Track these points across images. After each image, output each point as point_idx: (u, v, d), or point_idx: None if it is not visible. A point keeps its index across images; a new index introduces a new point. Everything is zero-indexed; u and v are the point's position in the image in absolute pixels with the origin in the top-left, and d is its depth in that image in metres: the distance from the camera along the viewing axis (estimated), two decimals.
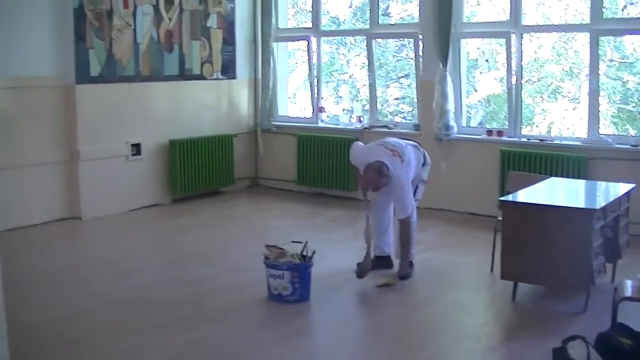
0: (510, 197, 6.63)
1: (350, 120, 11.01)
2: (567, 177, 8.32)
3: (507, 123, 9.65)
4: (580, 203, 6.91)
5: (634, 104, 11.41)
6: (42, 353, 5.28)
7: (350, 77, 13.66)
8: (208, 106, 10.91)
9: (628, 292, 5.47)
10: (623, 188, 6.96)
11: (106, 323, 5.90)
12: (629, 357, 4.71)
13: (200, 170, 10.58)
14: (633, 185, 7.08)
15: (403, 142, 7.15)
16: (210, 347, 5.47)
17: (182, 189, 10.37)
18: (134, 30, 9.78)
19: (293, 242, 6.61)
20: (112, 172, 9.62)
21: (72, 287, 6.86)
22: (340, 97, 13.50)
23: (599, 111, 9.15)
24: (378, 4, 10.67)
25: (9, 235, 8.43)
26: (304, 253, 6.50)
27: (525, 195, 6.69)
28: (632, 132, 11.01)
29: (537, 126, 11.62)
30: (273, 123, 11.42)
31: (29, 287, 6.59)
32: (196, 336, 5.65)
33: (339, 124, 11.06)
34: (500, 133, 9.53)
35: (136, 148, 9.93)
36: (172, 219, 9.61)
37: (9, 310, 4.06)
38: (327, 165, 10.72)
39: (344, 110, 12.30)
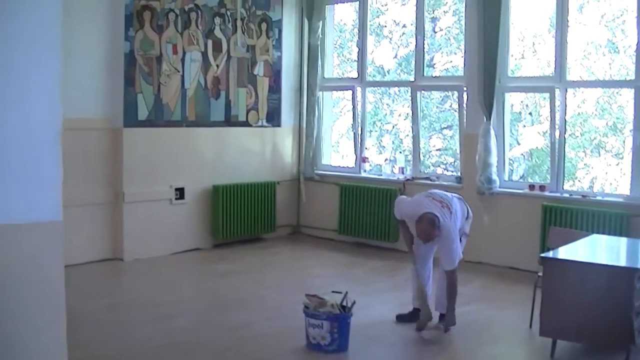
0: (551, 254, 6.61)
1: (392, 171, 11.05)
2: (609, 234, 8.25)
3: (549, 177, 9.64)
4: (622, 261, 6.87)
5: None
6: None
7: (393, 127, 13.73)
8: (252, 153, 11.04)
9: None
10: None
11: None
12: None
13: (242, 216, 10.67)
14: None
15: (449, 194, 7.19)
16: None
17: (224, 234, 10.46)
18: (182, 76, 9.97)
19: (333, 292, 6.64)
20: (155, 215, 9.76)
21: (114, 327, 6.95)
22: (383, 147, 13.57)
23: None
24: (424, 55, 10.77)
25: None
26: (344, 303, 6.52)
27: (566, 251, 6.66)
28: None
29: (579, 181, 11.58)
30: (316, 172, 11.52)
31: (70, 326, 6.64)
32: None
33: (381, 174, 11.11)
34: (542, 188, 9.51)
35: (180, 192, 10.07)
36: (213, 264, 9.69)
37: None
38: (369, 215, 10.75)
39: (386, 160, 12.35)
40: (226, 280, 8.83)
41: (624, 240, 7.68)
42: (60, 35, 3.90)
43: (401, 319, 7.15)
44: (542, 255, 6.70)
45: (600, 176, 11.75)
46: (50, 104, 3.77)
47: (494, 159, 9.60)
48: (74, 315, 6.97)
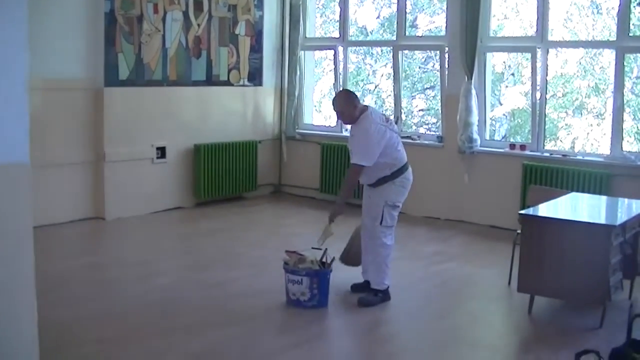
0: (530, 211, 6.65)
1: None
2: (589, 193, 8.30)
3: (530, 137, 9.68)
4: (600, 219, 6.91)
5: None
6: (67, 351, 5.36)
7: (375, 87, 13.72)
8: (234, 112, 11.02)
9: None
10: None
11: (129, 324, 5.99)
12: None
13: (224, 175, 10.68)
14: None
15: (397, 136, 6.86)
16: (229, 350, 5.54)
17: (205, 193, 10.47)
18: (163, 35, 9.90)
19: (313, 248, 6.68)
20: (137, 174, 9.74)
21: (95, 286, 6.97)
22: None
23: (623, 128, 9.14)
24: (406, 16, 10.74)
25: (33, 232, 8.51)
26: (324, 260, 6.57)
27: (545, 209, 6.71)
28: None
29: (560, 141, 11.63)
30: (298, 131, 11.52)
31: (53, 285, 6.67)
32: (216, 339, 5.73)
33: None
34: (523, 147, 9.55)
35: (161, 151, 10.05)
36: (194, 223, 9.71)
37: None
38: None
39: None
40: (208, 239, 8.85)
41: (603, 199, 7.74)
42: None
43: (355, 288, 6.96)
44: (521, 212, 6.74)
45: (581, 137, 11.81)
46: (16, 46, 3.67)
47: (475, 119, 9.62)
48: (56, 275, 7.06)
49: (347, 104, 6.66)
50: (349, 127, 10.88)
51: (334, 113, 6.95)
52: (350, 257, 7.13)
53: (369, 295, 6.68)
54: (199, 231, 9.27)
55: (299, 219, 10.12)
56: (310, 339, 5.86)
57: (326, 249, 6.64)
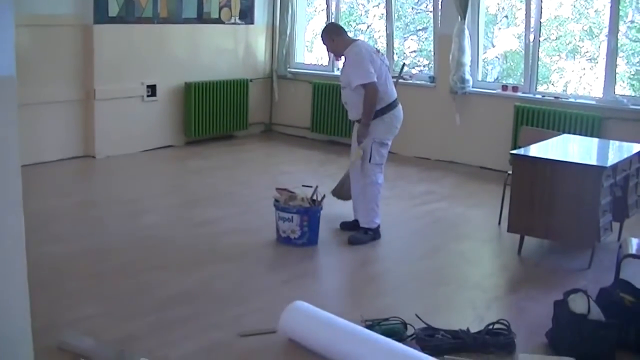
0: (521, 151, 6.65)
1: None
2: (581, 135, 8.31)
3: (523, 80, 9.64)
4: (591, 160, 6.90)
5: None
6: (57, 286, 5.35)
7: (368, 27, 13.60)
8: (225, 50, 10.93)
9: (633, 250, 5.53)
10: (635, 147, 6.96)
11: (120, 260, 5.99)
12: (629, 313, 4.77)
13: (214, 114, 10.62)
14: None
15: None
16: (220, 286, 5.55)
17: (195, 132, 10.42)
18: None
19: (304, 186, 6.68)
20: (127, 112, 9.67)
21: (86, 224, 6.98)
22: None
23: (616, 72, 9.10)
24: None
25: (23, 171, 8.43)
26: (314, 197, 6.57)
27: (536, 150, 6.71)
28: None
29: (553, 84, 11.57)
30: (289, 70, 11.45)
31: (43, 222, 6.66)
32: (207, 275, 5.75)
33: None
34: (515, 89, 9.53)
35: (152, 89, 9.96)
36: (185, 161, 9.68)
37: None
38: (342, 114, 10.72)
39: None
40: (198, 177, 8.84)
41: (594, 141, 7.74)
42: None
43: (345, 226, 6.98)
44: (512, 152, 6.75)
45: (574, 80, 11.76)
46: None
47: (467, 59, 9.57)
48: (46, 212, 7.05)
49: (335, 33, 6.68)
50: (340, 65, 10.91)
51: (324, 48, 6.96)
52: (343, 191, 7.18)
53: (359, 234, 6.71)
54: (189, 170, 9.25)
55: (289, 157, 10.10)
56: (301, 275, 5.89)
57: (317, 186, 6.64)
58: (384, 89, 6.53)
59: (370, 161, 6.63)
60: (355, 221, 6.87)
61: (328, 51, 6.98)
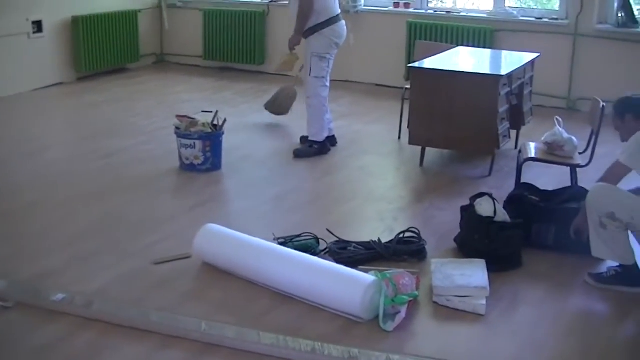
0: (417, 64, 6.73)
1: None
2: (474, 47, 8.47)
3: None
4: (487, 70, 7.06)
5: None
6: None
7: None
8: None
9: (532, 154, 5.72)
10: (528, 57, 7.14)
11: (25, 199, 5.86)
12: (540, 211, 4.94)
13: (104, 47, 10.34)
14: (537, 54, 7.30)
15: None
16: (126, 216, 5.52)
17: (86, 67, 10.15)
18: None
19: (203, 112, 6.65)
20: (13, 50, 9.30)
21: None
22: None
23: None
24: None
25: None
26: (215, 122, 6.54)
27: (432, 62, 6.81)
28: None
29: (442, 2, 11.66)
30: None
31: None
32: (112, 206, 5.70)
33: None
34: (407, 5, 9.61)
35: (38, 25, 9.60)
36: (78, 97, 9.44)
37: None
38: (234, 40, 10.67)
39: None
40: (94, 111, 8.65)
41: (487, 52, 7.91)
42: None
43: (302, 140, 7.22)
44: (409, 65, 6.83)
45: None
46: None
47: None
48: None
49: None
50: None
51: None
52: (275, 106, 7.79)
53: (305, 147, 6.96)
54: (84, 105, 9.02)
55: (185, 87, 9.98)
56: (208, 200, 5.90)
57: (217, 111, 6.61)
58: (323, 4, 6.70)
59: (310, 74, 6.84)
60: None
61: None
